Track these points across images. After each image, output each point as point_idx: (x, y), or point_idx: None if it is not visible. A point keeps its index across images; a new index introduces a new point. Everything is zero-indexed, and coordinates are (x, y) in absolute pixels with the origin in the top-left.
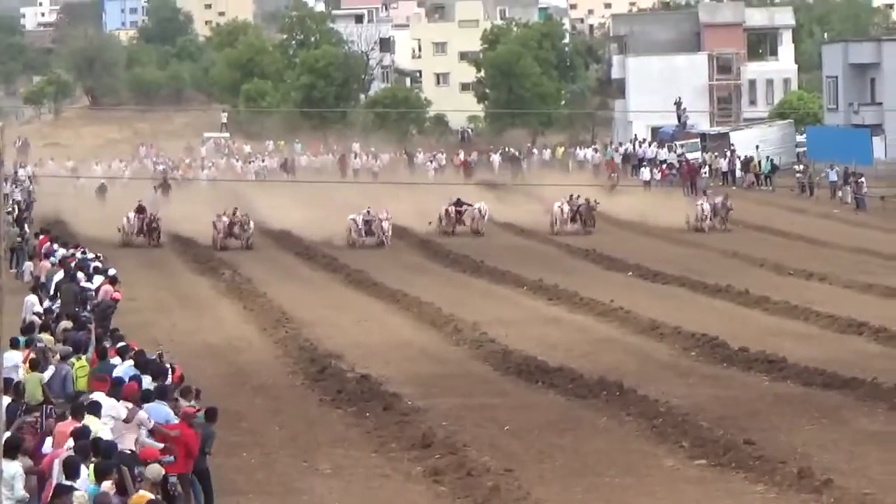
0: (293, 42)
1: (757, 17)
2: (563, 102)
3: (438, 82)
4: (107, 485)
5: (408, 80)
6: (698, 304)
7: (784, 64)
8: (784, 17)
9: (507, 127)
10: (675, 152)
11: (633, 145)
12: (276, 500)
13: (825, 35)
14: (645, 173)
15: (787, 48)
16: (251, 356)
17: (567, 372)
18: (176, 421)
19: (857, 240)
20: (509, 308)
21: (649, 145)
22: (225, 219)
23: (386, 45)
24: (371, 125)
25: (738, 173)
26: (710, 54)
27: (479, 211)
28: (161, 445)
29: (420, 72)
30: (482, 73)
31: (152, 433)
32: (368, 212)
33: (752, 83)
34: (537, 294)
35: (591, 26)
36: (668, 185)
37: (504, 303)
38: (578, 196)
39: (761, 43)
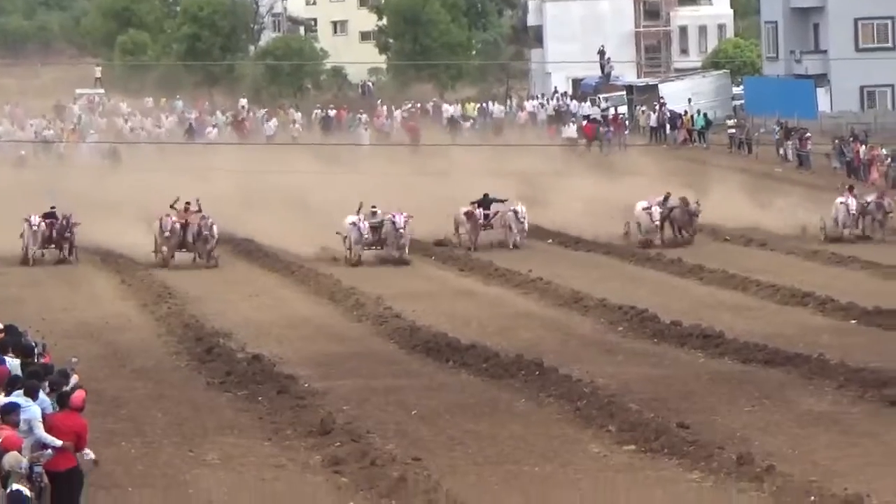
0: None
1: None
2: (473, 53)
3: (336, 31)
4: None
5: (302, 30)
6: (626, 274)
7: (718, 8)
8: None
9: (412, 80)
10: (599, 106)
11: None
12: (159, 493)
13: None
14: (568, 130)
15: None
16: (130, 335)
17: (481, 350)
18: (51, 410)
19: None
20: (416, 280)
21: (570, 99)
22: (173, 218)
23: None
24: (262, 79)
25: (668, 129)
26: None
27: (516, 214)
28: (59, 443)
29: (315, 20)
30: (384, 21)
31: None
32: (374, 212)
33: (684, 30)
34: (447, 264)
35: None
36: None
37: (411, 274)
38: (669, 195)
39: None
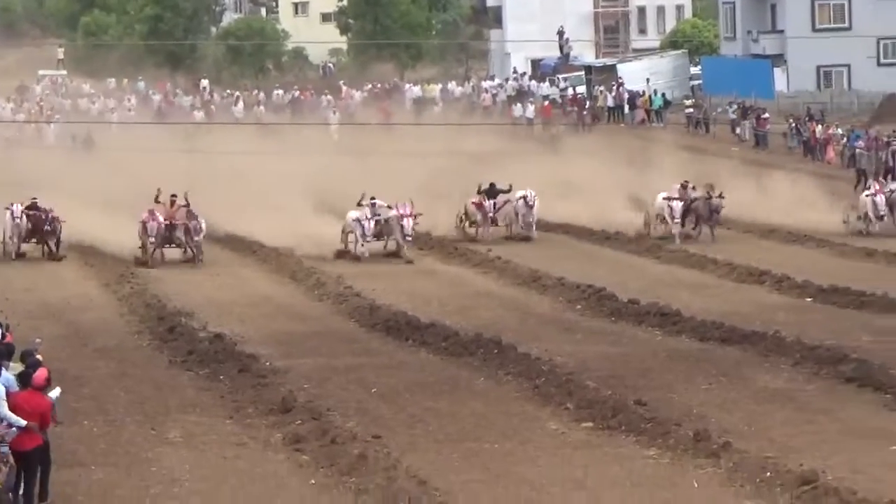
0: None
1: None
2: (433, 33)
3: (297, 12)
4: None
5: (263, 10)
6: (583, 253)
7: None
8: None
9: (372, 61)
10: (557, 87)
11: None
12: (122, 471)
13: None
14: (527, 110)
15: None
16: (92, 315)
17: (440, 328)
18: (16, 388)
19: (757, 180)
20: (376, 259)
21: (530, 79)
22: (159, 217)
23: None
24: (223, 60)
25: (627, 109)
26: None
27: (526, 202)
28: (24, 423)
29: (276, 1)
30: (345, 2)
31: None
32: (374, 203)
33: (642, 10)
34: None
35: None
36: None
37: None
38: (690, 185)
39: None
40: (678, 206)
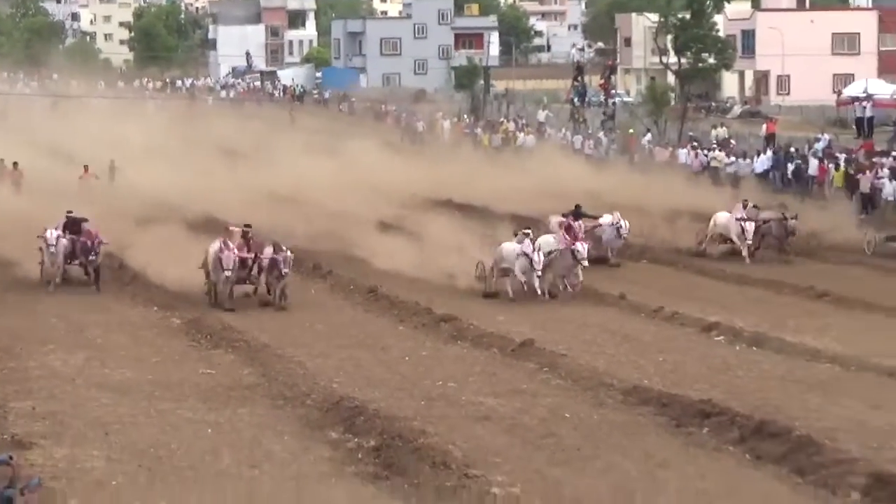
0: (19, 14)
1: (293, 3)
2: (180, 51)
3: (106, 39)
4: None
5: (88, 38)
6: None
7: (310, 31)
8: (309, 2)
9: (147, 66)
10: (246, 82)
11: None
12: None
13: (333, 14)
14: (231, 93)
15: (311, 21)
16: None
17: None
18: None
19: (342, 134)
20: None
21: (232, 77)
22: (231, 246)
23: (76, 16)
24: (66, 65)
25: (282, 94)
26: (266, 25)
27: (619, 230)
28: None
29: (95, 32)
30: (133, 34)
31: None
32: (527, 233)
33: (291, 42)
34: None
35: (196, 8)
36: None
37: None
38: (750, 203)
39: (296, 17)
40: (751, 227)
